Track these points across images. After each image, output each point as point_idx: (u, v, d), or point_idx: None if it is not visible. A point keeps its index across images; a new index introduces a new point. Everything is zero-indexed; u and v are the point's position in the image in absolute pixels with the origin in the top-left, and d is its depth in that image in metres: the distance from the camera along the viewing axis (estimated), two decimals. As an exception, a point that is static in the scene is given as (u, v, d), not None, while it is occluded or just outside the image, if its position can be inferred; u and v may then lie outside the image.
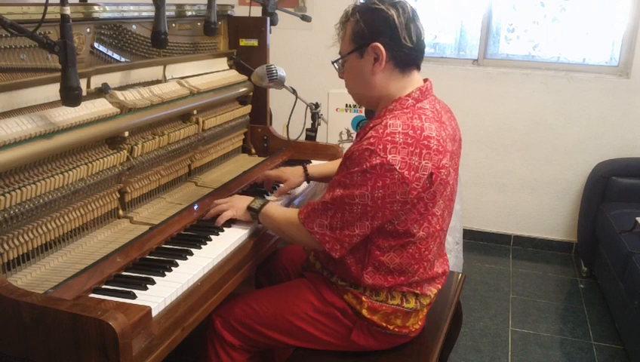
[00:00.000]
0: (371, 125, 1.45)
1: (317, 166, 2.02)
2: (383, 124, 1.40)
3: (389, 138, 1.36)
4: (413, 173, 1.36)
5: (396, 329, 1.55)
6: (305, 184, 2.00)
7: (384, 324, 1.54)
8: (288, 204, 1.91)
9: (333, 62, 1.58)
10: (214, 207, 1.69)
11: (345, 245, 1.45)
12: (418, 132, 1.38)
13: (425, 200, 1.42)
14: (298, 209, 1.55)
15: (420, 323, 1.61)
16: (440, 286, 1.63)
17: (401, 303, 1.53)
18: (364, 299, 1.52)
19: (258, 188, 1.98)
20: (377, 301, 1.52)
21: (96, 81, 1.58)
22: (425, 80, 1.53)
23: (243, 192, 1.93)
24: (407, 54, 1.46)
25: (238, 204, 1.67)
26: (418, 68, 1.52)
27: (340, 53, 1.55)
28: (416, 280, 1.53)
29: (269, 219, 1.61)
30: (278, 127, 2.63)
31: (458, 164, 1.55)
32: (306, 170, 1.96)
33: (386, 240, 1.46)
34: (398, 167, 1.34)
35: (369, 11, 1.45)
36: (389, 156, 1.34)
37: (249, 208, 1.65)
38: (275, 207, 1.64)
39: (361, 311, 1.52)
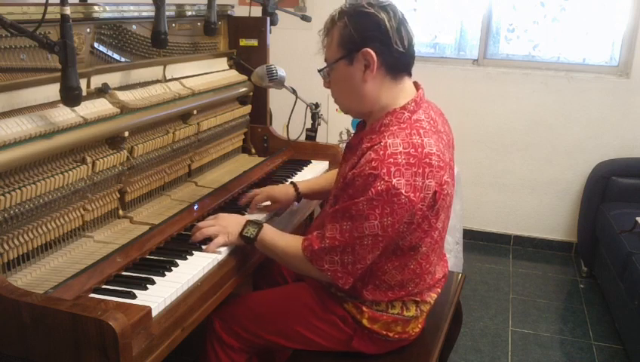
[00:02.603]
0: (368, 144, 1.38)
1: (307, 183, 1.89)
2: (382, 144, 1.33)
3: (391, 160, 1.31)
4: (418, 193, 1.33)
5: (396, 336, 1.55)
6: (295, 203, 1.88)
7: (384, 332, 1.53)
8: (268, 220, 1.79)
9: (319, 71, 1.50)
10: (199, 230, 1.52)
11: (356, 275, 1.42)
12: (419, 150, 1.33)
13: (429, 218, 1.39)
14: (299, 236, 1.48)
15: (419, 326, 1.61)
16: (440, 290, 1.62)
17: (402, 311, 1.52)
18: (364, 308, 1.50)
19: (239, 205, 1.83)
20: (378, 310, 1.51)
21: (96, 81, 1.58)
22: (416, 86, 1.49)
23: (243, 192, 1.93)
24: (399, 59, 1.41)
25: (228, 229, 1.52)
26: (409, 74, 1.47)
27: (325, 60, 1.48)
28: (417, 291, 1.52)
29: (267, 248, 1.51)
30: (278, 127, 2.63)
31: (454, 169, 1.51)
32: (297, 189, 1.83)
33: (389, 260, 1.44)
34: (404, 191, 1.30)
35: (358, 15, 1.39)
36: (394, 180, 1.29)
37: (242, 236, 1.51)
38: (274, 235, 1.51)
39: (362, 320, 1.51)
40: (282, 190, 1.83)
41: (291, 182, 1.87)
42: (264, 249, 1.53)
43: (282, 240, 1.51)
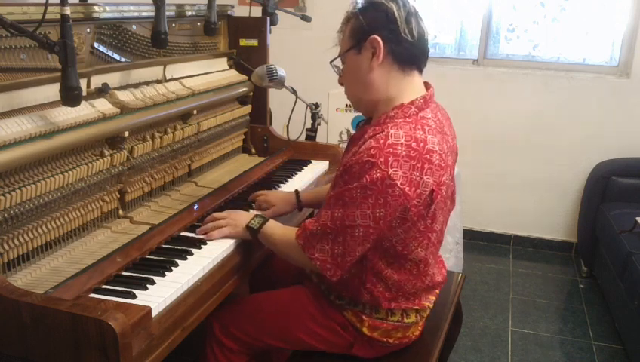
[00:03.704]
0: (371, 133, 1.38)
1: (311, 193, 1.88)
2: (384, 133, 1.32)
3: (390, 150, 1.29)
4: (414, 189, 1.31)
5: (397, 342, 1.55)
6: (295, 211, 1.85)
7: (385, 339, 1.52)
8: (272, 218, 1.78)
9: (330, 62, 1.52)
10: (211, 221, 1.59)
11: (345, 268, 1.41)
12: (421, 145, 1.32)
13: (425, 218, 1.37)
14: (297, 228, 1.48)
15: (419, 329, 1.61)
16: (438, 292, 1.62)
17: (402, 319, 1.52)
18: (364, 317, 1.50)
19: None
20: (378, 318, 1.50)
21: (96, 81, 1.58)
22: (427, 86, 1.48)
23: (243, 192, 1.93)
24: (407, 49, 1.40)
25: (236, 221, 1.57)
26: (419, 70, 1.47)
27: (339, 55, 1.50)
28: (415, 291, 1.51)
29: (268, 239, 1.53)
30: (278, 127, 2.63)
31: (454, 175, 1.50)
32: (298, 198, 1.82)
33: (384, 257, 1.43)
34: (399, 183, 1.28)
35: (368, 6, 1.42)
36: (391, 170, 1.28)
37: (248, 227, 1.55)
38: (274, 227, 1.54)
39: (362, 328, 1.50)
40: (283, 196, 1.82)
41: (295, 191, 1.85)
42: (265, 240, 1.54)
43: (281, 230, 1.54)
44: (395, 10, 1.38)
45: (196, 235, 1.58)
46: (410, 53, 1.42)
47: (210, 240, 1.54)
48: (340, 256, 1.38)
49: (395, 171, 1.29)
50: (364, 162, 1.30)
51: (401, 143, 1.31)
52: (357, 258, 1.40)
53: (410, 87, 1.44)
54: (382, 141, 1.31)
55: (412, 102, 1.40)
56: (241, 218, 1.58)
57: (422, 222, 1.38)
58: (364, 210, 1.32)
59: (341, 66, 1.51)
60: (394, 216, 1.34)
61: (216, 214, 1.62)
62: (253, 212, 1.62)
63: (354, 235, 1.35)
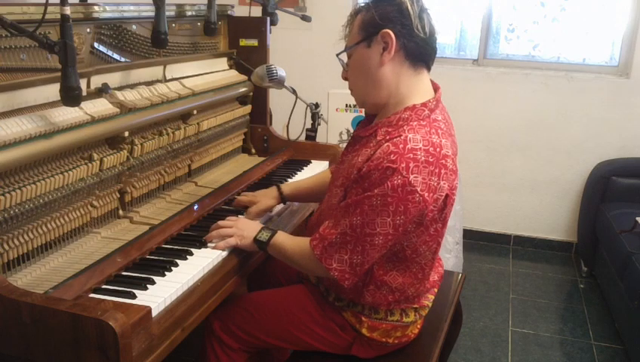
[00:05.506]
0: (385, 135, 1.35)
1: (292, 184, 1.86)
2: (402, 137, 1.30)
3: (410, 155, 1.27)
4: (432, 194, 1.30)
5: (396, 341, 1.55)
6: (281, 205, 1.84)
7: (384, 340, 1.52)
8: (266, 222, 1.78)
9: (337, 55, 1.49)
10: (217, 230, 1.55)
11: (361, 276, 1.40)
12: (438, 150, 1.31)
13: (437, 222, 1.37)
14: (309, 238, 1.45)
15: (418, 327, 1.61)
16: (436, 290, 1.62)
17: (401, 318, 1.52)
18: (363, 318, 1.49)
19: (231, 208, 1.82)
20: (377, 319, 1.50)
21: (96, 81, 1.58)
22: (435, 86, 1.47)
23: (242, 192, 1.93)
24: (420, 46, 1.38)
25: (243, 233, 1.53)
26: (428, 68, 1.44)
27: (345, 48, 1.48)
28: (416, 294, 1.51)
29: (279, 251, 1.50)
30: (278, 127, 2.63)
31: None
32: (280, 191, 1.80)
33: (391, 261, 1.42)
34: (419, 189, 1.27)
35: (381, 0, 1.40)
36: (411, 176, 1.26)
37: (256, 240, 1.52)
38: (285, 238, 1.51)
39: (361, 329, 1.50)
40: (264, 192, 1.81)
41: (276, 185, 1.83)
42: (276, 252, 1.52)
43: (292, 240, 1.51)
44: (408, 4, 1.36)
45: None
46: (422, 50, 1.40)
47: (218, 249, 1.51)
48: (358, 265, 1.37)
49: (416, 177, 1.27)
50: (385, 168, 1.28)
51: (420, 148, 1.29)
52: (372, 264, 1.39)
53: (420, 87, 1.42)
54: (401, 146, 1.29)
55: (424, 104, 1.38)
56: (248, 229, 1.54)
57: (434, 226, 1.38)
58: (384, 217, 1.30)
59: (346, 60, 1.48)
60: (412, 223, 1.33)
61: (221, 222, 1.57)
62: (259, 223, 1.59)
63: (373, 243, 1.33)
